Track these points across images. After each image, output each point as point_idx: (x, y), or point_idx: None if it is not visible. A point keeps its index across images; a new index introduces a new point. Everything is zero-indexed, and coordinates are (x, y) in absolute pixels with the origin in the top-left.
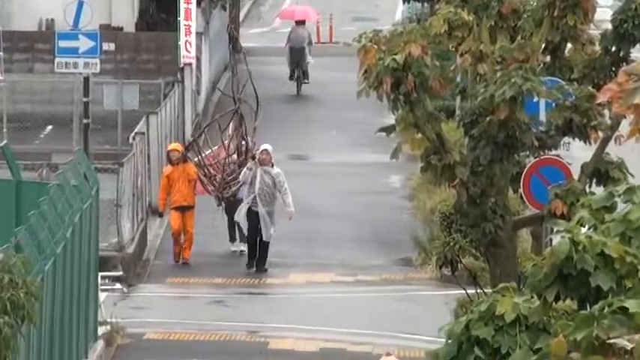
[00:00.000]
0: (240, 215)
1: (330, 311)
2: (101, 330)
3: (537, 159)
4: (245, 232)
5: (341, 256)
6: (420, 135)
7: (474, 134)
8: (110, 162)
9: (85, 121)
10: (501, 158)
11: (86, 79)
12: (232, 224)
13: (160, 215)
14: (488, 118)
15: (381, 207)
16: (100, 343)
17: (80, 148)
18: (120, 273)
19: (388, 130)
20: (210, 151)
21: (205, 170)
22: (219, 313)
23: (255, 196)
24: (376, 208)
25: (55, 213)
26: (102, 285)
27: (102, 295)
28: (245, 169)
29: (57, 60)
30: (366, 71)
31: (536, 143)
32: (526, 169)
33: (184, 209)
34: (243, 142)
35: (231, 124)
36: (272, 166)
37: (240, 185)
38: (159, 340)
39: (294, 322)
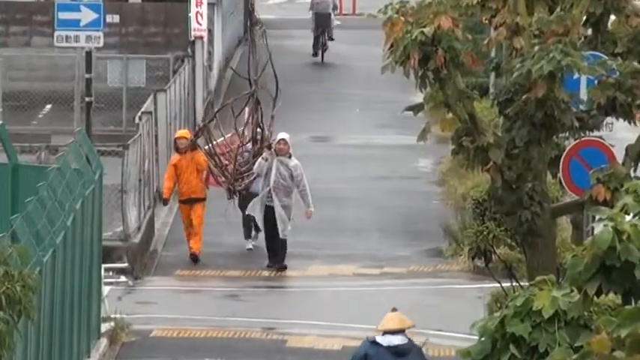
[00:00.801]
0: (256, 210)
1: (354, 306)
2: (104, 327)
3: (578, 141)
4: (260, 225)
5: (365, 247)
6: (450, 115)
7: (510, 114)
8: (114, 144)
9: (87, 99)
10: (539, 140)
11: (88, 54)
12: (247, 220)
13: (165, 203)
14: (524, 97)
15: (409, 193)
16: (104, 341)
17: (82, 129)
18: (125, 265)
19: (416, 109)
20: (222, 138)
21: (216, 160)
22: (233, 308)
23: (270, 190)
24: (403, 194)
25: (54, 199)
26: (105, 278)
27: (105, 289)
28: (260, 160)
29: (57, 33)
30: (392, 45)
31: (576, 124)
32: (565, 151)
33: (192, 202)
34: (259, 130)
35: (246, 108)
36: (290, 157)
37: (255, 177)
38: (167, 338)
39: (314, 318)
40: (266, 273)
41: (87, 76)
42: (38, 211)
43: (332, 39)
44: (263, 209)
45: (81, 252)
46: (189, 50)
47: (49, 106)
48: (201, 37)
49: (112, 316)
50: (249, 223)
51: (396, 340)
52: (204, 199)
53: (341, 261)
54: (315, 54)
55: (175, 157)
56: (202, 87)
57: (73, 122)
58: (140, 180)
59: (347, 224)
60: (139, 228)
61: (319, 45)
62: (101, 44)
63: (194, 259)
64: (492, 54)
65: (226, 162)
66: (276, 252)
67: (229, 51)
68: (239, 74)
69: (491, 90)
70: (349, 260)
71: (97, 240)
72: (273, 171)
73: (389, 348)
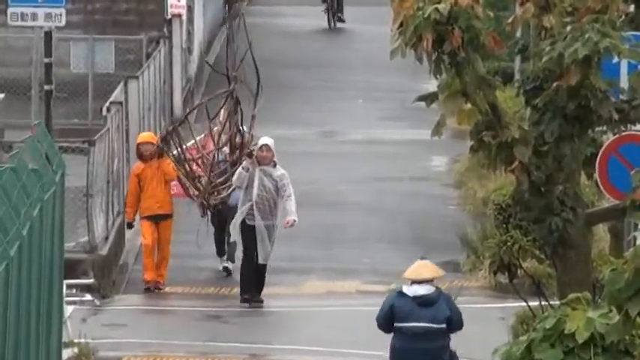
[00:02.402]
0: (235, 229)
1: (357, 329)
2: (66, 353)
3: (617, 136)
4: (240, 250)
5: (370, 260)
6: (469, 105)
7: (538, 104)
8: (79, 140)
9: (46, 87)
10: (572, 135)
11: (48, 35)
12: (220, 236)
13: (129, 227)
14: (555, 85)
15: (420, 197)
16: None
17: (40, 123)
18: (91, 281)
19: (429, 99)
20: (193, 142)
21: (186, 168)
22: (214, 331)
23: (251, 205)
24: (414, 198)
25: (8, 205)
26: (68, 296)
27: (68, 309)
28: (240, 170)
29: (10, 10)
30: (401, 24)
31: (615, 116)
32: (603, 148)
33: (159, 219)
34: (238, 134)
35: (222, 109)
36: (274, 165)
37: (232, 190)
38: None
39: (310, 344)
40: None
41: (46, 60)
42: None
43: (342, 19)
44: (239, 221)
45: (39, 266)
46: (165, 30)
47: (1, 96)
48: (180, 15)
49: (76, 340)
50: (222, 239)
51: (422, 290)
52: (171, 216)
53: (341, 276)
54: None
55: (139, 166)
56: (181, 73)
57: (30, 114)
58: (108, 182)
59: (349, 233)
60: (106, 238)
61: (331, 10)
62: (63, 23)
63: (156, 288)
64: (518, 34)
65: (199, 171)
66: (254, 281)
67: (212, 31)
68: (216, 70)
69: (517, 76)
70: (351, 275)
71: (58, 252)
72: (256, 183)
73: (415, 298)
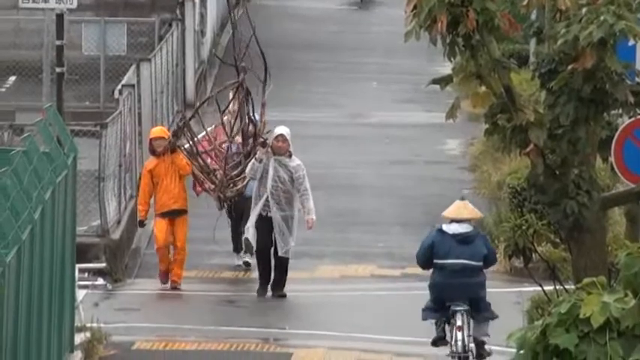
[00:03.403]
0: (250, 231)
1: (371, 313)
2: (79, 338)
3: (633, 119)
4: (254, 242)
5: (384, 244)
6: (483, 88)
7: (553, 87)
8: (90, 123)
9: (58, 70)
10: (587, 118)
11: (59, 17)
12: (236, 230)
13: (141, 225)
14: (570, 67)
15: (435, 180)
16: (78, 355)
17: (52, 105)
18: (103, 265)
19: (443, 81)
20: (204, 133)
21: (200, 161)
22: (228, 315)
23: (267, 197)
24: (428, 181)
25: (19, 188)
26: (80, 280)
27: (80, 294)
28: (253, 161)
29: None
30: (415, 7)
31: (631, 99)
32: (618, 131)
33: (174, 214)
34: (251, 125)
35: (232, 101)
36: (290, 156)
37: (248, 181)
38: (151, 351)
39: (324, 328)
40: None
41: (58, 42)
42: (0, 202)
43: None
44: (256, 219)
45: (51, 250)
46: (177, 12)
47: (12, 78)
48: None
49: (88, 325)
50: (238, 233)
51: (462, 228)
52: (187, 212)
53: (355, 260)
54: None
55: (151, 162)
56: (193, 56)
57: (41, 97)
58: (120, 165)
59: (362, 217)
60: (119, 222)
61: None
62: (74, 5)
63: (174, 287)
64: (533, 17)
65: (213, 164)
66: (274, 275)
67: (225, 13)
68: (224, 61)
69: (532, 59)
70: (365, 259)
71: (70, 236)
72: (270, 174)
73: (454, 236)
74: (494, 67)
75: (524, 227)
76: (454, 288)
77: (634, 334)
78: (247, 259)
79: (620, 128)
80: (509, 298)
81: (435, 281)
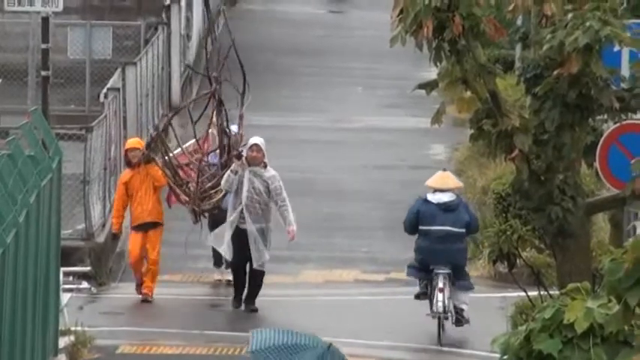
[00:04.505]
0: (224, 243)
1: (355, 319)
2: (63, 341)
3: (618, 125)
4: (228, 255)
5: (368, 248)
6: (469, 93)
7: (538, 93)
8: (76, 126)
9: (43, 73)
10: (572, 123)
11: (45, 20)
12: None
13: (115, 237)
14: (556, 73)
15: (420, 185)
16: (62, 359)
17: (37, 109)
18: (87, 268)
19: (429, 86)
20: (179, 149)
21: (174, 174)
22: (211, 319)
23: (242, 209)
24: (413, 186)
25: (4, 191)
26: (64, 284)
27: (65, 297)
28: (228, 173)
29: None
30: (401, 12)
31: (616, 104)
32: (603, 137)
33: (148, 227)
34: (225, 136)
35: (206, 111)
36: (265, 167)
37: (224, 195)
38: (136, 355)
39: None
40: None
41: (43, 46)
42: None
43: None
44: (232, 232)
45: (35, 253)
46: (163, 16)
47: None
48: (179, 1)
49: (72, 328)
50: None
51: (446, 197)
52: (161, 225)
53: (339, 265)
54: None
55: (127, 174)
56: (179, 60)
57: (26, 100)
58: (105, 169)
59: (347, 221)
60: (103, 225)
61: None
62: (60, 8)
63: (145, 300)
64: (519, 22)
65: (185, 177)
66: (248, 288)
67: (211, 18)
68: (196, 71)
69: (517, 64)
70: (349, 264)
71: (54, 239)
72: (245, 185)
73: (439, 205)
74: (480, 72)
75: (508, 232)
76: (438, 253)
77: (617, 340)
78: (220, 277)
79: (605, 134)
80: (493, 303)
81: (420, 246)
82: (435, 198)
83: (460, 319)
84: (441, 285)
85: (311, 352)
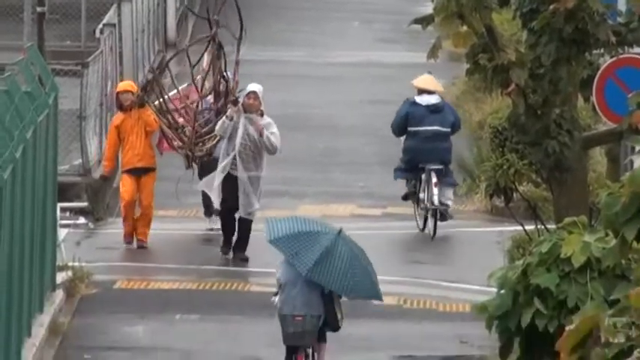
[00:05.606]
0: (214, 186)
1: None
2: (60, 277)
3: (614, 59)
4: (217, 202)
5: (364, 183)
6: (465, 28)
7: (534, 27)
8: (72, 62)
9: (38, 9)
10: (568, 58)
11: None
12: (207, 195)
13: (103, 179)
14: (552, 7)
15: None
16: (59, 294)
17: (33, 45)
18: (84, 204)
19: (425, 21)
20: (175, 91)
21: (169, 118)
22: (209, 254)
23: (234, 156)
24: None
25: (1, 127)
26: (61, 219)
27: (62, 233)
28: (224, 119)
29: None
30: None
31: (612, 38)
32: (600, 71)
33: (140, 172)
34: (223, 81)
35: (205, 55)
36: (261, 114)
37: (218, 140)
38: (133, 290)
39: None
40: (259, 214)
41: None
42: None
43: None
44: (221, 178)
45: (32, 189)
46: None
47: None
48: None
49: (70, 264)
50: (208, 195)
51: (432, 99)
52: (154, 170)
53: (336, 200)
54: None
55: (118, 117)
56: None
57: (22, 36)
58: (102, 104)
59: (343, 156)
60: (100, 161)
61: None
62: None
63: (141, 246)
64: None
65: (182, 121)
66: (237, 235)
67: None
68: (198, 15)
69: None
70: (345, 199)
71: (51, 175)
72: (240, 132)
73: (427, 106)
74: (476, 6)
75: (505, 167)
76: (427, 151)
77: (615, 274)
78: (211, 226)
79: (602, 68)
80: (490, 237)
81: (409, 146)
82: (423, 100)
83: (444, 214)
84: (435, 180)
85: (324, 237)
